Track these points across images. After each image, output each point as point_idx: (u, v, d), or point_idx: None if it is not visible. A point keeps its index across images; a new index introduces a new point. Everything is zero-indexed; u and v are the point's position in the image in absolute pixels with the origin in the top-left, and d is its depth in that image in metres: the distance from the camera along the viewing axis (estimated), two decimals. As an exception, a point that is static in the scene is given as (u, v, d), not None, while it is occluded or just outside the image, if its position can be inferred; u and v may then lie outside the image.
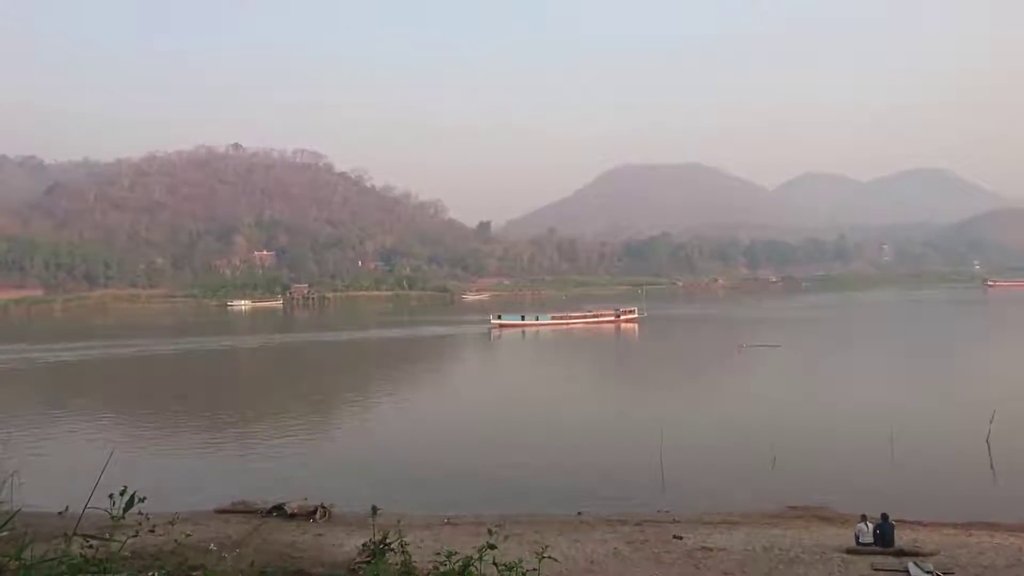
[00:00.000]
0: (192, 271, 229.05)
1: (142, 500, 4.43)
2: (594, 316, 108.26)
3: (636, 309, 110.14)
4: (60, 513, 18.20)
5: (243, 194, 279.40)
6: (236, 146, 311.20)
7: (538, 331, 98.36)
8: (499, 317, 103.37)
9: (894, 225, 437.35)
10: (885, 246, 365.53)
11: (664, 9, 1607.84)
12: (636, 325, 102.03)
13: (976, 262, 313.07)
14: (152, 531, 14.57)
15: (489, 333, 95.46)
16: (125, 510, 4.45)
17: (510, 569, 4.63)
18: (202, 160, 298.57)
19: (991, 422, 29.36)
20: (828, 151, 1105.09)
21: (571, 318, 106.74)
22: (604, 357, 74.67)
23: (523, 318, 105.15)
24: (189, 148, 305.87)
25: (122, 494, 4.44)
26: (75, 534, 4.68)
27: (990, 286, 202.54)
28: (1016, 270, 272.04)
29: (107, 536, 4.68)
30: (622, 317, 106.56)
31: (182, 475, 28.61)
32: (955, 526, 20.50)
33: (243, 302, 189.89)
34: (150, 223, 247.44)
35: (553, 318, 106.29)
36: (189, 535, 11.91)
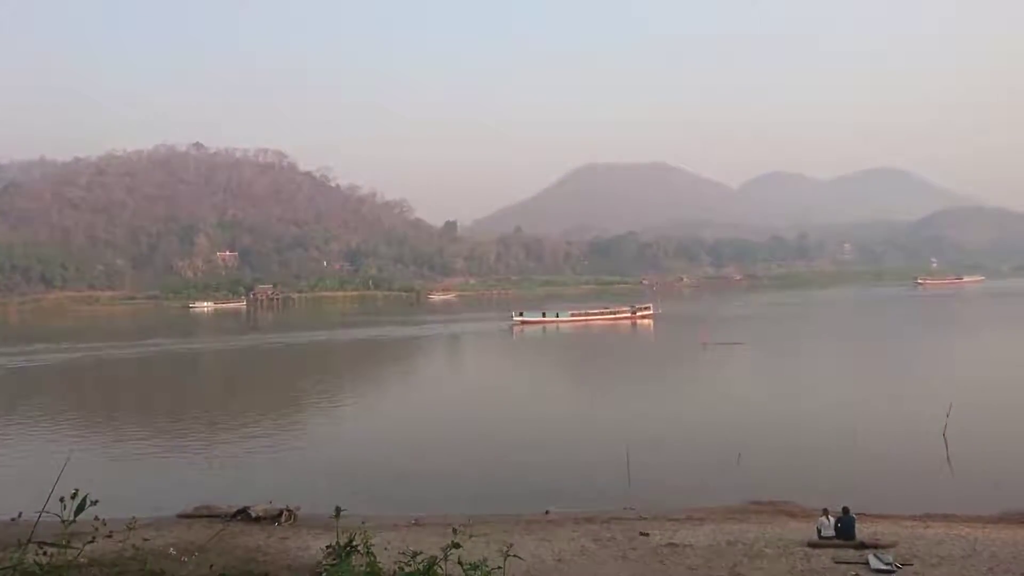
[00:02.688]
0: (153, 272, 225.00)
1: (94, 503, 4.32)
2: (612, 312, 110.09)
3: (651, 306, 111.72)
4: (13, 519, 17.74)
5: (205, 194, 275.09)
6: (197, 145, 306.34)
7: (558, 327, 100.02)
8: (521, 314, 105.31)
9: (855, 223, 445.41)
10: (846, 244, 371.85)
11: (628, 9, 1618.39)
12: (651, 321, 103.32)
13: (934, 259, 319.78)
14: (110, 536, 14.24)
15: (511, 330, 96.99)
16: (76, 514, 4.32)
17: (475, 568, 4.62)
18: (162, 159, 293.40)
19: (947, 416, 30.03)
20: (791, 150, 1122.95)
21: (590, 315, 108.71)
22: (594, 355, 74.98)
23: (544, 315, 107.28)
24: (149, 147, 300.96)
25: (73, 498, 4.32)
26: (30, 541, 4.56)
27: (920, 284, 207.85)
28: (974, 268, 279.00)
29: (64, 543, 4.56)
30: (638, 314, 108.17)
31: (144, 480, 28.12)
32: (913, 518, 20.95)
33: (206, 303, 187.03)
34: (109, 223, 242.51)
35: (573, 315, 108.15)
36: (147, 540, 11.61)
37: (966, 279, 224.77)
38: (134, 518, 7.73)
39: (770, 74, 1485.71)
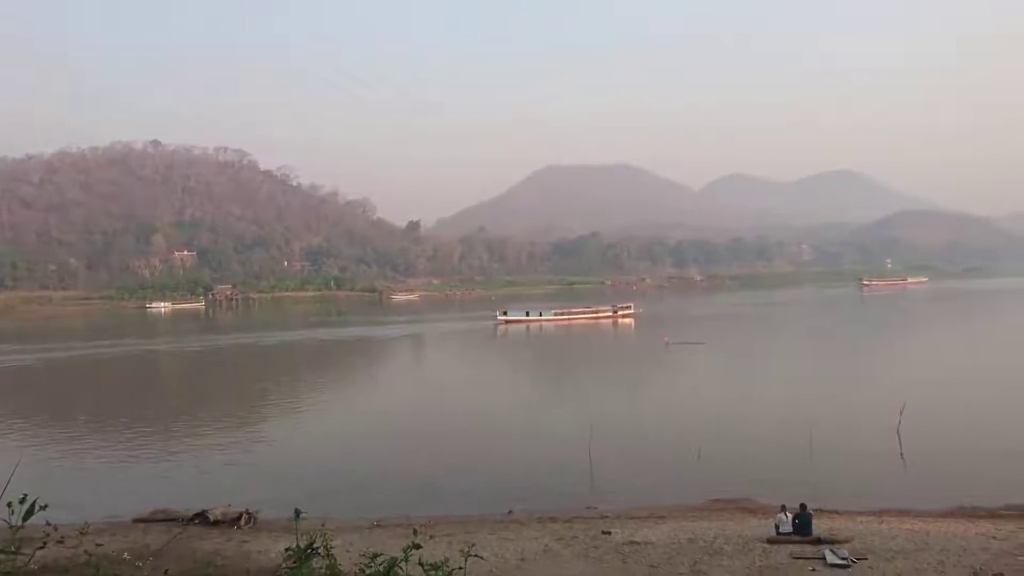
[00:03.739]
0: (108, 272, 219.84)
1: (43, 508, 4.21)
2: (593, 312, 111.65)
3: (631, 306, 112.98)
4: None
5: (162, 192, 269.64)
6: (155, 143, 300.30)
7: (541, 327, 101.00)
8: (505, 313, 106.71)
9: (813, 225, 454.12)
10: (804, 245, 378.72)
11: (592, 10, 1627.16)
12: (633, 320, 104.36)
13: (888, 260, 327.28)
14: (61, 542, 13.94)
15: (495, 329, 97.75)
16: (24, 519, 4.20)
17: (436, 568, 4.61)
18: (118, 157, 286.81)
19: (901, 413, 30.73)
20: (753, 153, 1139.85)
21: (573, 314, 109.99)
22: (566, 354, 75.14)
23: (528, 314, 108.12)
24: (104, 144, 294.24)
25: (21, 502, 4.19)
26: (-25, 548, 4.42)
27: (865, 285, 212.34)
28: (927, 269, 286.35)
29: (13, 549, 4.44)
30: (619, 313, 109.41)
31: (98, 484, 27.51)
32: (869, 513, 21.40)
33: (163, 304, 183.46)
34: (62, 222, 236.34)
35: (556, 314, 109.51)
36: (100, 545, 11.39)
37: (910, 280, 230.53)
38: (86, 523, 7.58)
39: (732, 76, 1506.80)
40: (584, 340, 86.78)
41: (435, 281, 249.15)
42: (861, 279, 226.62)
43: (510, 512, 22.55)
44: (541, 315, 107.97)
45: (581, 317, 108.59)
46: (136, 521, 21.98)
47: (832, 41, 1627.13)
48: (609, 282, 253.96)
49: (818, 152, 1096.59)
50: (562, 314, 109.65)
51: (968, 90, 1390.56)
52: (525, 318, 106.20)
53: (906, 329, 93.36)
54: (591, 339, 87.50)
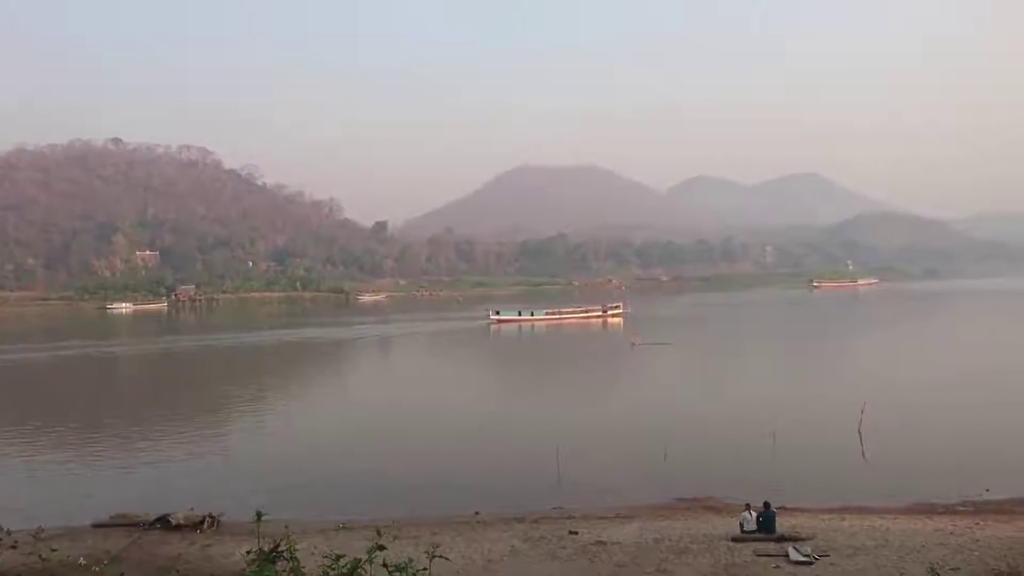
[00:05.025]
0: (67, 272, 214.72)
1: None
2: (583, 312, 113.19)
3: (621, 306, 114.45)
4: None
5: (124, 191, 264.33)
6: (116, 141, 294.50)
7: (533, 326, 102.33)
8: (497, 313, 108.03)
9: (777, 227, 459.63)
10: (768, 247, 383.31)
11: (558, 11, 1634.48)
12: (621, 320, 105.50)
13: (849, 262, 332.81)
14: (14, 547, 13.63)
15: (488, 328, 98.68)
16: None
17: (400, 570, 4.57)
18: (78, 155, 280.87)
19: (862, 411, 31.28)
20: (717, 155, 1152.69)
21: (563, 314, 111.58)
22: (543, 354, 75.15)
23: (520, 313, 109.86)
24: (63, 142, 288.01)
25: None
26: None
27: (815, 287, 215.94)
28: (884, 270, 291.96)
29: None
30: (609, 313, 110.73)
31: (56, 489, 26.89)
32: (831, 511, 21.76)
33: (124, 305, 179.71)
34: (19, 221, 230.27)
35: (547, 313, 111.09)
36: (56, 551, 11.06)
37: (860, 282, 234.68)
38: (40, 527, 7.39)
39: (698, 77, 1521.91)
40: (570, 339, 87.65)
41: (402, 282, 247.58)
42: (811, 280, 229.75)
43: (477, 513, 22.51)
44: (533, 315, 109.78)
45: (572, 317, 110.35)
46: (95, 526, 21.50)
47: (797, 42, 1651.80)
48: (576, 283, 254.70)
49: (783, 155, 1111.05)
50: (553, 314, 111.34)
51: (931, 91, 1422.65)
52: (517, 318, 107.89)
53: (843, 329, 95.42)
54: (577, 338, 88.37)
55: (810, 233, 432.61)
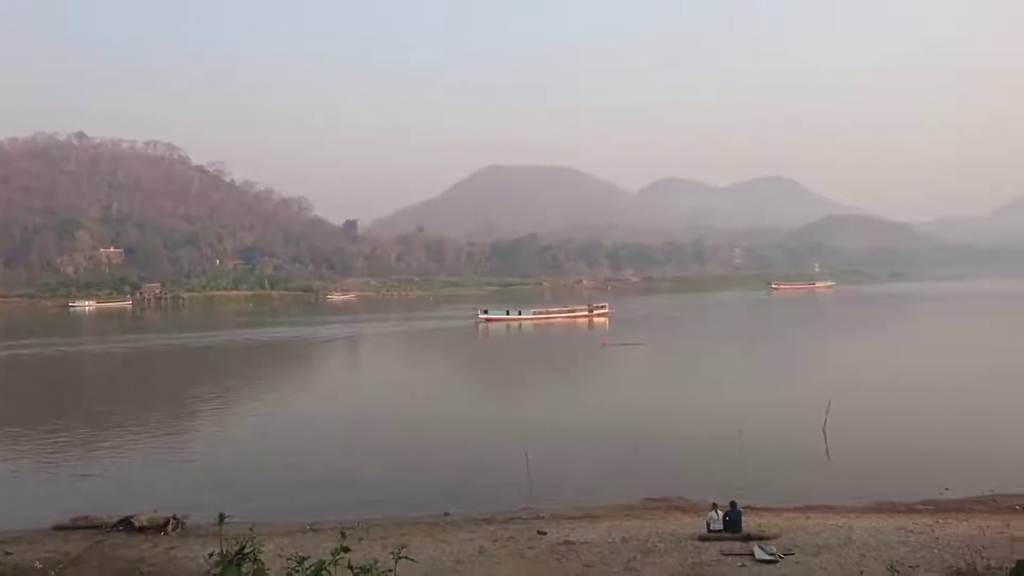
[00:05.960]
0: (27, 269, 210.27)
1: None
2: (570, 311, 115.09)
3: (607, 306, 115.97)
4: None
5: (88, 186, 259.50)
6: (80, 135, 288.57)
7: (520, 325, 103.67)
8: (485, 312, 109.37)
9: (746, 229, 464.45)
10: (737, 249, 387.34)
11: (528, 12, 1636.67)
12: (607, 320, 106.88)
13: (816, 264, 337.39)
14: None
15: (477, 327, 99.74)
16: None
17: (365, 572, 4.55)
18: (40, 149, 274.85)
19: (827, 412, 31.74)
20: (689, 157, 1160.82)
21: (550, 313, 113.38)
22: (520, 353, 75.08)
23: (507, 312, 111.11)
24: (25, 135, 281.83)
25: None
26: None
27: (774, 289, 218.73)
28: (851, 272, 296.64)
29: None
30: (595, 313, 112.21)
31: (13, 491, 26.33)
32: (796, 510, 22.07)
33: (87, 303, 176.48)
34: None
35: (535, 313, 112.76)
36: (11, 554, 10.78)
37: (818, 284, 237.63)
38: (-3, 531, 7.23)
39: (667, 78, 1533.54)
40: (553, 339, 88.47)
41: (372, 281, 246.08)
42: (770, 283, 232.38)
43: (446, 514, 22.47)
44: (520, 314, 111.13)
45: (559, 316, 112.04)
46: (56, 529, 21.09)
47: (767, 43, 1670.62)
48: (547, 284, 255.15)
49: (752, 157, 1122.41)
50: (541, 313, 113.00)
51: (899, 95, 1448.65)
52: (505, 316, 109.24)
53: (795, 330, 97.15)
54: (559, 338, 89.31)
55: (779, 235, 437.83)
